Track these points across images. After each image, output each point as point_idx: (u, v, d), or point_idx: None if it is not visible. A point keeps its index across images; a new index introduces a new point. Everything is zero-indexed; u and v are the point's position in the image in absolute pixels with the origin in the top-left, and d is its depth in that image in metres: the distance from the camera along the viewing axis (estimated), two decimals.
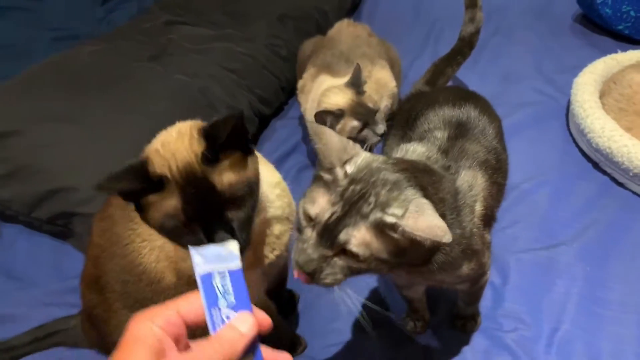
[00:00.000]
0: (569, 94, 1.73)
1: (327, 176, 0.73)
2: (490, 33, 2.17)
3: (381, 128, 1.42)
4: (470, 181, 0.92)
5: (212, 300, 0.54)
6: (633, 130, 1.51)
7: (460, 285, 1.02)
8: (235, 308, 0.54)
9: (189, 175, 0.73)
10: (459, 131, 1.01)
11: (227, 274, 0.56)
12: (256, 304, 1.04)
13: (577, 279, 1.28)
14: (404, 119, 1.15)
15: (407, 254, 0.72)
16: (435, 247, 0.79)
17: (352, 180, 0.71)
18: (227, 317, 0.53)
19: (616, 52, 1.86)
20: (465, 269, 0.91)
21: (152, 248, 0.95)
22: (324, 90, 1.50)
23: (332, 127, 1.43)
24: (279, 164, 1.68)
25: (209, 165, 0.74)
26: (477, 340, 1.19)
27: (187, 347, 0.50)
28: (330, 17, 2.10)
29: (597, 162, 1.57)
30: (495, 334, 1.20)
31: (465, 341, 1.19)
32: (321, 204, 0.70)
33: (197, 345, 0.50)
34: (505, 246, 1.37)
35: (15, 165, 1.38)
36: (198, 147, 0.74)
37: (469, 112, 1.04)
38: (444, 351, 1.18)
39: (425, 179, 0.77)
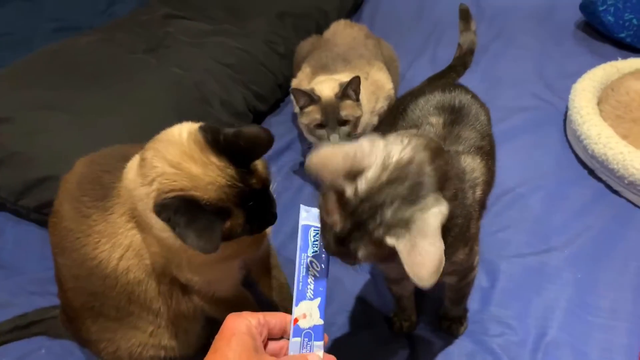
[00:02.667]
0: (568, 99, 1.71)
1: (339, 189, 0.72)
2: (492, 36, 2.16)
3: (335, 138, 1.45)
4: (472, 164, 0.91)
5: (304, 246, 0.71)
6: (629, 137, 1.49)
7: (449, 278, 1.01)
8: (316, 257, 0.71)
9: (240, 194, 0.81)
10: (455, 117, 0.99)
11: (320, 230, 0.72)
12: (234, 295, 1.03)
13: (567, 285, 1.26)
14: (392, 115, 1.15)
15: None
16: None
17: (362, 200, 0.69)
18: (311, 262, 0.70)
19: (617, 59, 1.84)
20: (461, 254, 0.90)
21: (115, 245, 0.92)
22: (328, 78, 1.52)
23: (302, 106, 1.46)
24: (272, 160, 1.68)
25: (248, 178, 0.83)
26: (463, 343, 1.17)
27: (265, 345, 0.66)
28: (331, 16, 2.08)
29: (592, 169, 1.55)
30: (480, 337, 1.18)
31: (451, 344, 1.17)
32: (333, 217, 0.71)
33: (272, 344, 0.68)
34: (496, 250, 1.35)
35: (3, 153, 1.37)
36: (229, 169, 0.81)
37: (460, 97, 1.03)
38: (429, 353, 1.16)
39: (445, 165, 0.74)
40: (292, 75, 1.76)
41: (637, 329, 1.17)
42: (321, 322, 0.68)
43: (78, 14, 2.30)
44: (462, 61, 1.30)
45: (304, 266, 0.70)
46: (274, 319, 0.67)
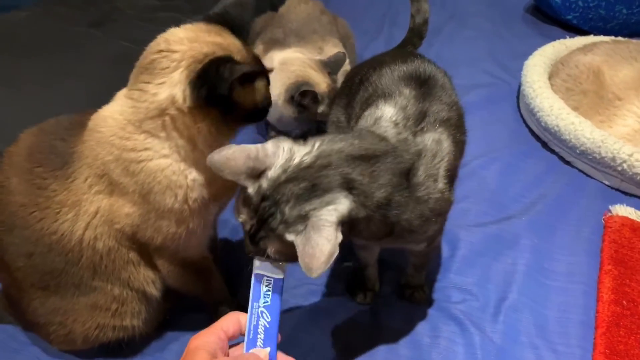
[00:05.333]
0: (520, 77, 1.75)
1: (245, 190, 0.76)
2: (445, 19, 2.20)
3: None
4: (435, 148, 0.88)
5: (256, 295, 0.73)
6: (579, 109, 1.53)
7: (417, 246, 1.00)
8: (267, 308, 0.72)
9: (256, 58, 0.87)
10: (425, 90, 0.95)
11: (272, 281, 0.73)
12: (201, 257, 0.98)
13: (525, 251, 1.28)
14: (348, 86, 1.13)
15: None
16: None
17: (263, 197, 0.74)
18: (262, 312, 0.71)
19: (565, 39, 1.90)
20: (431, 230, 0.91)
21: (79, 214, 0.87)
22: (293, 59, 1.48)
23: (309, 109, 1.45)
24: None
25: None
26: (425, 311, 1.16)
27: (227, 355, 0.70)
28: None
29: (545, 141, 1.59)
30: (443, 305, 1.18)
31: (413, 312, 1.16)
32: (243, 216, 0.76)
33: (233, 351, 0.71)
34: (456, 220, 1.34)
35: None
36: (237, 40, 0.86)
37: (424, 66, 1.00)
38: (392, 322, 1.15)
39: (359, 168, 0.76)
40: None
41: (592, 290, 1.19)
42: None
43: None
44: (418, 32, 1.28)
45: (255, 315, 0.71)
46: (227, 322, 0.70)
